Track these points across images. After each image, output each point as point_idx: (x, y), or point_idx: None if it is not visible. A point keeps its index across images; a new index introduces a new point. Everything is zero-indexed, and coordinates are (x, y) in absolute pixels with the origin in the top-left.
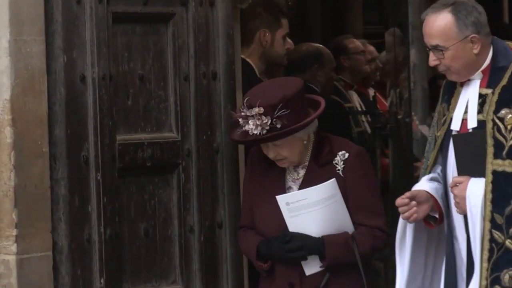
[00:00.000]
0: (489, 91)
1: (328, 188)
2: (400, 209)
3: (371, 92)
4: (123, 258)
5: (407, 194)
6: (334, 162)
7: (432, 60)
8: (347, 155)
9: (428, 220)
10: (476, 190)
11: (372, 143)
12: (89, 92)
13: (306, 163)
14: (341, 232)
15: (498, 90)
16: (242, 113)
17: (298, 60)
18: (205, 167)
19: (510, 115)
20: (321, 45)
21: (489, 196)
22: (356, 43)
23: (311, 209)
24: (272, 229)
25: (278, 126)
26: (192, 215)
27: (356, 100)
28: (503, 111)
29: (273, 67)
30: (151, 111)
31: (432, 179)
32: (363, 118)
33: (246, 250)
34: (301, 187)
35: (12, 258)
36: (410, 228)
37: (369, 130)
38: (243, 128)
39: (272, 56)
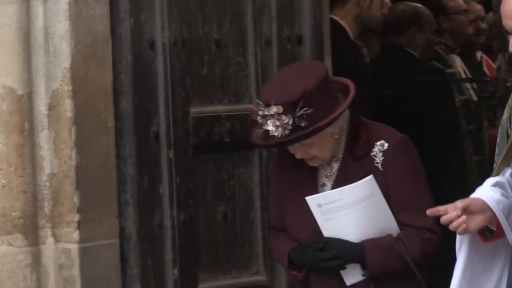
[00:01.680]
0: None
1: (365, 187)
2: (443, 219)
3: (479, 56)
4: (199, 246)
5: (459, 205)
6: (372, 154)
7: None
8: (386, 145)
9: (485, 232)
10: None
11: (478, 113)
12: (159, 59)
13: (340, 156)
14: (384, 236)
15: None
16: (260, 112)
17: (394, 22)
18: None
19: None
20: (419, 5)
21: None
22: (458, 1)
23: (347, 211)
24: (305, 234)
25: (302, 124)
26: None
27: (459, 65)
28: None
29: (367, 33)
30: (228, 80)
31: (497, 185)
32: (468, 85)
33: (277, 256)
34: (336, 183)
35: (74, 247)
36: (467, 237)
37: (475, 98)
38: (263, 128)
39: (369, 20)
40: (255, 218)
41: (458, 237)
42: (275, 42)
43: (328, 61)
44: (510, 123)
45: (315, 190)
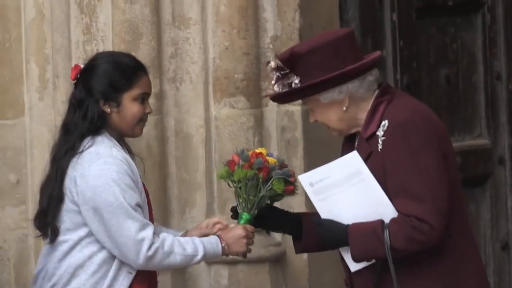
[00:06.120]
0: None
1: (348, 163)
2: None
3: None
4: None
5: None
6: (377, 133)
7: None
8: (387, 125)
9: None
10: None
11: None
12: None
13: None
14: (374, 220)
15: None
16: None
17: None
18: None
19: None
20: None
21: None
22: None
23: (337, 190)
24: None
25: (293, 85)
26: (500, 60)
27: None
28: None
29: None
30: None
31: None
32: None
33: None
34: None
35: (297, 109)
36: None
37: None
38: None
39: None
40: (478, 81)
41: None
42: None
43: None
44: None
45: None
